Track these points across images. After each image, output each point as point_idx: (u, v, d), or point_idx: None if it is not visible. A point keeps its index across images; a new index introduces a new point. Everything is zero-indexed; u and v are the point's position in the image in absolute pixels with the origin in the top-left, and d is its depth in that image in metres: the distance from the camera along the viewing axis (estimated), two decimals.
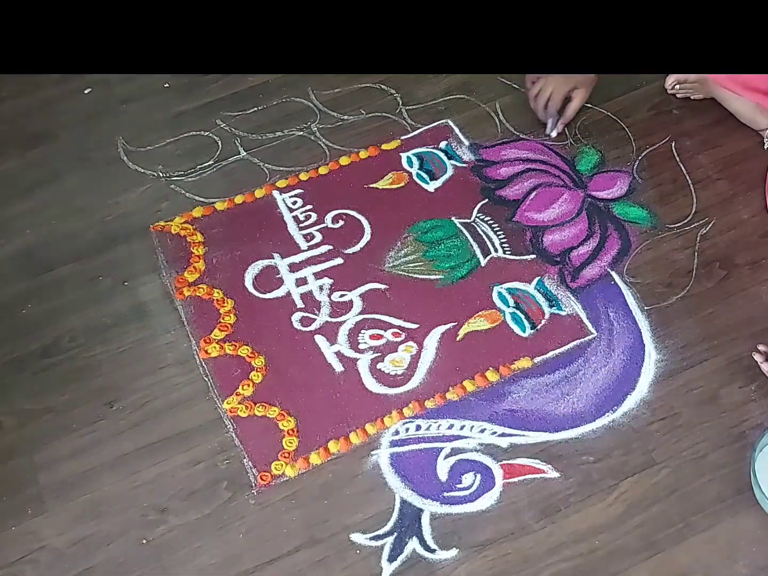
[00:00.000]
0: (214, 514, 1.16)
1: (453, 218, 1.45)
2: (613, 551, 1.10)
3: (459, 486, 1.17)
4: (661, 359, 1.27)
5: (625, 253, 1.39)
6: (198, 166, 1.56)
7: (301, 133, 1.60)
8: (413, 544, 1.12)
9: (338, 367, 1.29)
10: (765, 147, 1.46)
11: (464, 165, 1.53)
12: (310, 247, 1.43)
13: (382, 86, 1.66)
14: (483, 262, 1.39)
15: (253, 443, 1.22)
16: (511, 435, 1.21)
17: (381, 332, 1.32)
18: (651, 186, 1.47)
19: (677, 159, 1.50)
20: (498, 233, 1.43)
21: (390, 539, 1.13)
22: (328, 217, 1.47)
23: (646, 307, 1.32)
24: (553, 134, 1.52)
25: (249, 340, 1.32)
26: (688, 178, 1.47)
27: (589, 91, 1.52)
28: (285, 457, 1.20)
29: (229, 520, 1.16)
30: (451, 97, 1.63)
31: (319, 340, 1.32)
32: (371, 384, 1.27)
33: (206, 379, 1.29)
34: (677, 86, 1.56)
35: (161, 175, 1.55)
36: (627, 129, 1.55)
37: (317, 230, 1.45)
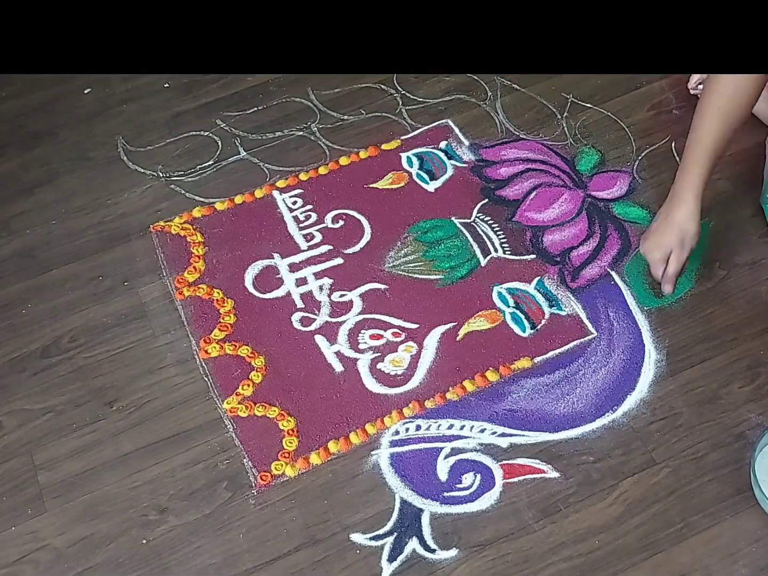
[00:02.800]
0: (214, 514, 1.16)
1: (453, 218, 1.45)
2: (613, 551, 1.10)
3: (459, 486, 1.17)
4: (661, 359, 1.27)
5: (625, 253, 1.39)
6: (198, 166, 1.56)
7: (301, 133, 1.60)
8: (413, 544, 1.12)
9: (338, 367, 1.29)
10: None
11: (464, 165, 1.53)
12: (310, 247, 1.43)
13: (382, 86, 1.66)
14: (483, 262, 1.39)
15: (253, 443, 1.22)
16: (511, 435, 1.21)
17: (381, 332, 1.32)
18: (651, 186, 1.47)
19: (677, 159, 1.50)
20: (498, 233, 1.43)
21: (390, 539, 1.13)
22: (328, 217, 1.47)
23: (646, 307, 1.32)
24: (667, 291, 1.32)
25: (249, 340, 1.32)
26: None
27: (687, 253, 1.29)
28: (285, 457, 1.20)
29: (229, 520, 1.16)
30: (451, 97, 1.63)
31: (319, 340, 1.32)
32: (371, 384, 1.27)
33: (206, 379, 1.29)
34: (700, 86, 1.54)
35: (161, 175, 1.55)
36: (627, 129, 1.55)
37: (317, 230, 1.45)
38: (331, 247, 1.43)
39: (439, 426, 1.22)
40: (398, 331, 1.32)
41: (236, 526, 1.15)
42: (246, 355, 1.30)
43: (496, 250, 1.41)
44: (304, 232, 1.45)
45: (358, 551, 1.12)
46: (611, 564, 1.09)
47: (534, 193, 1.48)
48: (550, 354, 1.28)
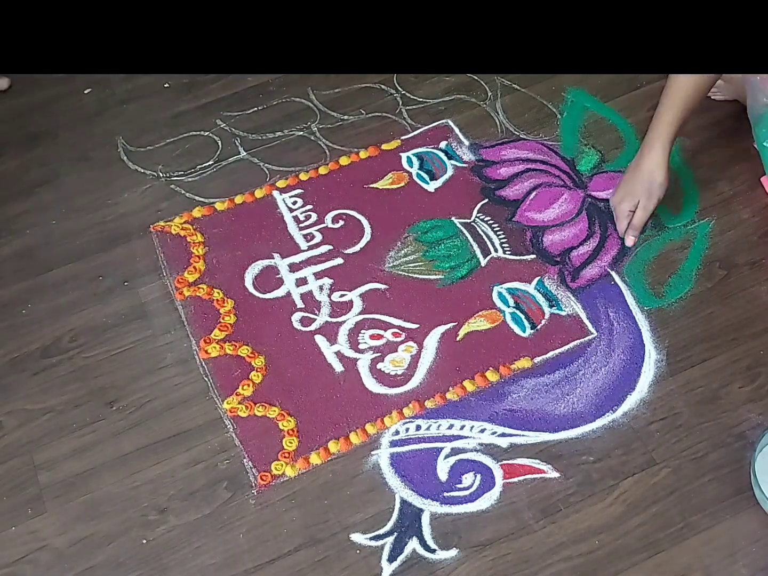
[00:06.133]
0: (214, 514, 1.16)
1: (453, 218, 1.45)
2: (613, 551, 1.10)
3: (459, 486, 1.17)
4: (661, 359, 1.27)
5: (625, 253, 1.39)
6: (198, 166, 1.56)
7: (301, 133, 1.60)
8: (413, 544, 1.12)
9: (338, 367, 1.29)
10: None
11: (464, 165, 1.53)
12: (310, 247, 1.43)
13: (382, 86, 1.66)
14: (483, 262, 1.39)
15: (253, 443, 1.22)
16: (511, 435, 1.21)
17: (381, 332, 1.32)
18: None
19: (677, 159, 1.50)
20: (498, 233, 1.43)
21: (390, 539, 1.13)
22: (328, 217, 1.47)
23: (646, 307, 1.32)
24: (629, 243, 1.39)
25: (249, 340, 1.32)
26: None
27: (654, 203, 1.37)
28: (285, 457, 1.20)
29: (229, 520, 1.16)
30: (451, 97, 1.63)
31: (319, 340, 1.32)
32: (371, 384, 1.27)
33: (206, 379, 1.29)
34: None
35: (161, 175, 1.55)
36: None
37: (317, 230, 1.45)
38: (331, 247, 1.43)
39: (439, 426, 1.22)
40: (398, 331, 1.32)
41: (236, 526, 1.15)
42: (246, 355, 1.30)
43: (496, 250, 1.41)
44: (304, 232, 1.45)
45: (358, 551, 1.12)
46: (611, 564, 1.09)
47: (534, 193, 1.48)
48: (550, 354, 1.28)
